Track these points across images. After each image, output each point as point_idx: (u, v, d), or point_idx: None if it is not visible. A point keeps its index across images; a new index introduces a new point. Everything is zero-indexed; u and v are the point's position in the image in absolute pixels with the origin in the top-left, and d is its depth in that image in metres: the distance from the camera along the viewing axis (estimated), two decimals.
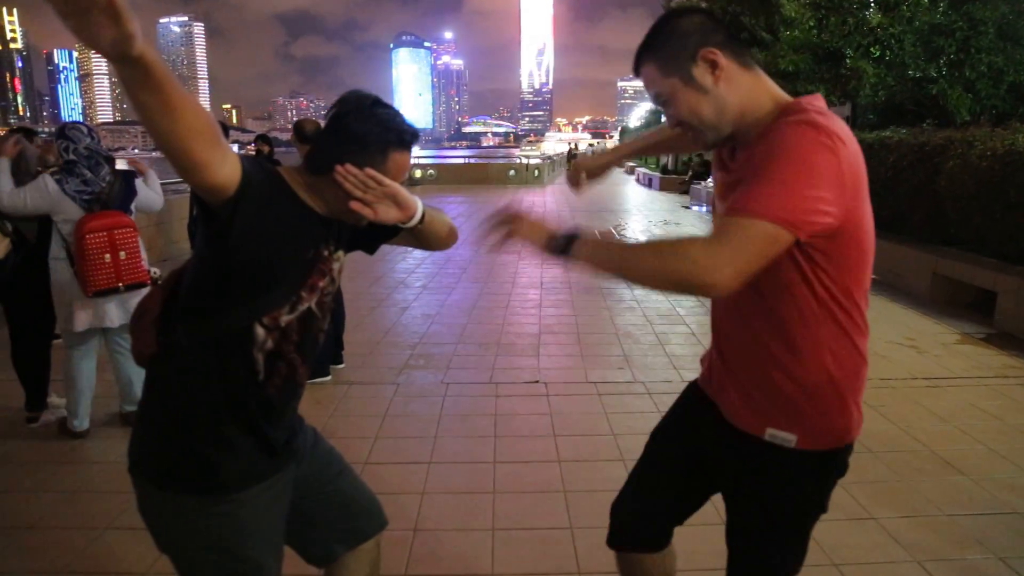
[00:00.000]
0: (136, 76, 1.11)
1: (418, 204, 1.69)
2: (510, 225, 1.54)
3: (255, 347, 1.50)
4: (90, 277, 3.69)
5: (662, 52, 1.48)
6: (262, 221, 1.43)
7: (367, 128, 1.53)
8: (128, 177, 4.00)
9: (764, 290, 1.48)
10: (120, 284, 3.77)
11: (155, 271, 4.02)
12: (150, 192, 4.21)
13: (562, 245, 1.45)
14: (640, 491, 1.92)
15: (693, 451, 1.78)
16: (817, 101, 1.43)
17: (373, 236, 1.77)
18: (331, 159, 1.52)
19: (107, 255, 3.71)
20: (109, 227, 3.72)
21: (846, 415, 1.53)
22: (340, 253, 1.69)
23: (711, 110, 1.46)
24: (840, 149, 1.31)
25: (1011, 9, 9.97)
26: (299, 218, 1.53)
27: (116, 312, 3.91)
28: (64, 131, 3.81)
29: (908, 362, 5.33)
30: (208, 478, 1.50)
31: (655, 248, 1.36)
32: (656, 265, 1.33)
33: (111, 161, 3.97)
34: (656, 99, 1.54)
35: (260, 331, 1.50)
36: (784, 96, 1.49)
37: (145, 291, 3.92)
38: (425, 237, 1.78)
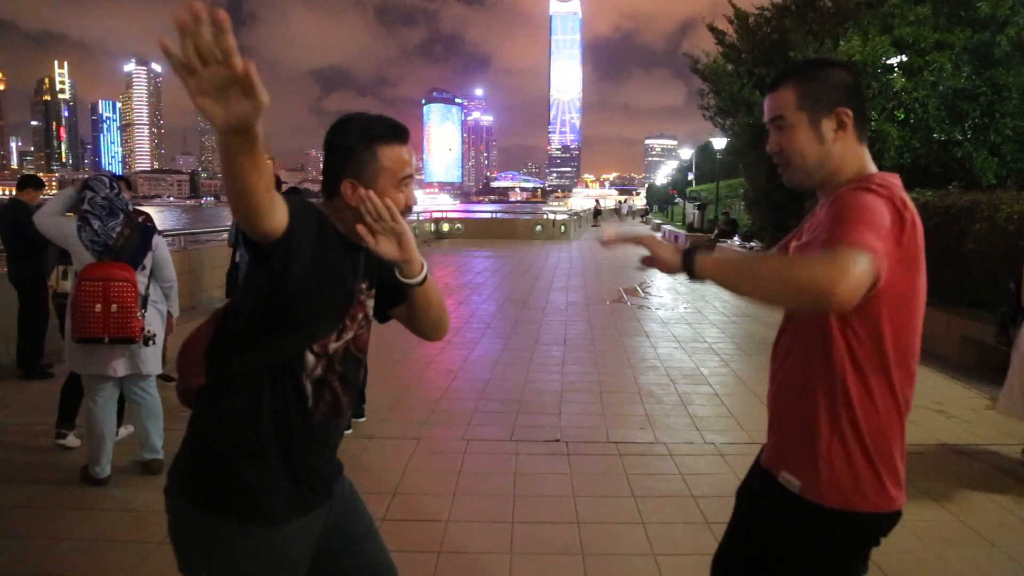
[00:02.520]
0: (246, 142, 1.17)
1: (424, 262, 1.71)
2: (647, 244, 1.58)
3: (304, 373, 1.57)
4: (77, 324, 3.78)
5: (806, 87, 1.58)
6: (312, 254, 1.50)
7: (348, 134, 1.60)
8: (145, 232, 4.09)
9: (812, 334, 1.55)
10: (105, 336, 3.81)
11: (148, 329, 4.04)
12: (169, 261, 4.28)
13: (689, 261, 1.47)
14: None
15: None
16: (890, 177, 1.52)
17: (384, 296, 1.80)
18: (331, 179, 1.61)
19: (98, 305, 3.77)
20: (106, 277, 3.81)
21: (856, 475, 1.52)
22: (373, 291, 1.76)
23: (816, 159, 1.58)
24: (904, 211, 1.42)
25: None
26: (340, 249, 1.61)
27: (119, 362, 3.95)
28: (87, 183, 4.00)
29: (936, 428, 5.23)
30: (249, 504, 1.53)
31: (776, 259, 1.42)
32: (780, 273, 1.37)
33: (129, 215, 4.06)
34: (772, 120, 1.63)
35: (311, 357, 1.58)
36: (867, 168, 1.59)
37: (132, 347, 3.96)
38: (421, 307, 1.76)
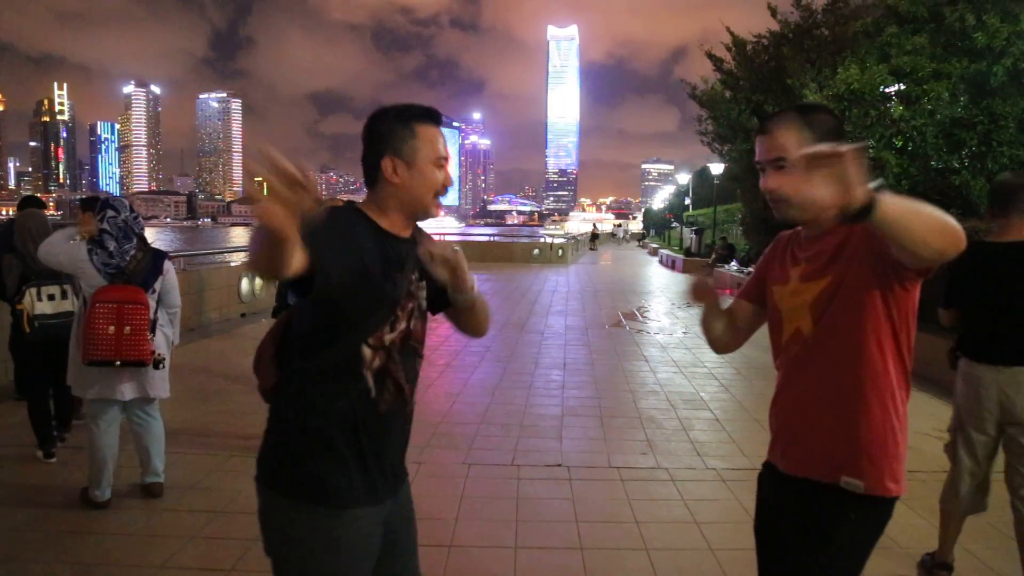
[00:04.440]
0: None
1: (474, 281, 1.84)
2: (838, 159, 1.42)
3: (364, 366, 1.67)
4: (89, 346, 3.76)
5: (807, 131, 1.68)
6: (350, 260, 1.58)
7: (386, 117, 1.71)
8: (157, 256, 4.11)
9: (834, 336, 1.71)
10: (116, 359, 3.80)
11: (159, 352, 4.05)
12: (177, 286, 4.28)
13: (872, 190, 1.41)
14: None
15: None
16: None
17: (434, 297, 1.88)
18: (371, 163, 1.72)
19: (111, 327, 3.76)
20: (120, 300, 3.81)
21: (901, 462, 1.71)
22: (424, 283, 1.82)
23: (811, 196, 1.59)
24: None
25: None
26: (382, 243, 1.68)
27: (127, 385, 3.94)
28: (108, 202, 3.98)
29: (937, 454, 5.17)
30: (319, 488, 1.64)
31: (930, 211, 1.42)
32: (942, 219, 1.41)
33: (143, 238, 4.09)
34: (771, 160, 1.72)
35: (367, 351, 1.67)
36: None
37: (142, 370, 3.96)
38: (466, 314, 1.90)
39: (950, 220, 1.43)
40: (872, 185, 1.40)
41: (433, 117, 1.74)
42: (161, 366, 4.04)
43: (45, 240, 4.02)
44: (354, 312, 1.63)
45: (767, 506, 1.94)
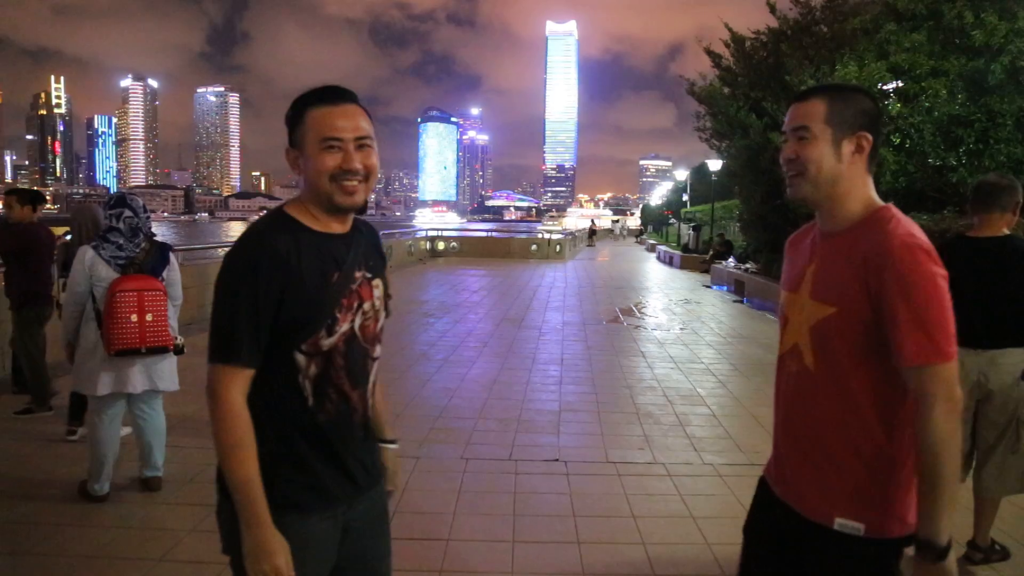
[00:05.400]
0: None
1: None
2: None
3: (300, 374, 1.60)
4: (114, 336, 3.78)
5: (838, 105, 1.64)
6: (286, 279, 1.55)
7: (290, 109, 1.65)
8: (163, 248, 4.14)
9: (843, 371, 1.59)
10: (142, 347, 3.85)
11: (180, 339, 4.10)
12: (179, 282, 4.30)
13: (939, 552, 1.48)
14: None
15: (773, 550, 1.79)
16: (918, 228, 1.57)
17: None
18: (293, 157, 1.66)
19: (134, 316, 3.80)
20: (140, 288, 3.84)
21: (909, 502, 1.57)
22: (378, 281, 1.75)
23: (829, 173, 1.63)
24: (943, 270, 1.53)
25: None
26: (316, 246, 1.62)
27: (139, 378, 3.97)
28: (125, 199, 4.01)
29: None
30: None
31: (940, 455, 1.46)
32: (954, 456, 1.48)
33: (150, 235, 4.12)
34: (796, 128, 1.67)
35: (301, 358, 1.60)
36: (875, 201, 1.66)
37: (167, 356, 4.01)
38: None
39: (951, 439, 1.47)
40: (937, 552, 1.47)
41: (327, 98, 1.61)
42: (184, 351, 4.12)
43: (67, 293, 4.01)
44: (282, 321, 1.56)
45: (761, 516, 1.87)
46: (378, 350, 1.77)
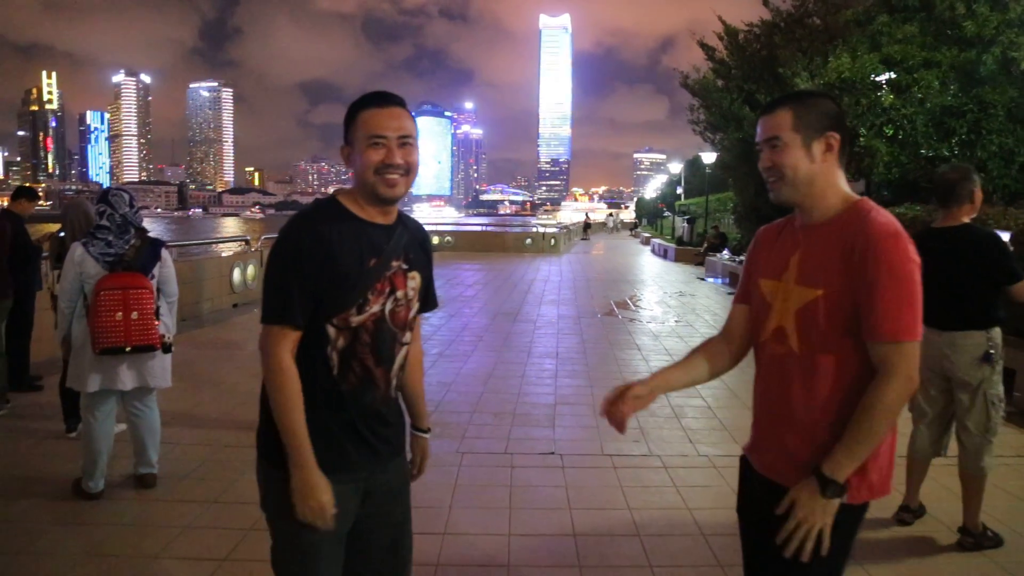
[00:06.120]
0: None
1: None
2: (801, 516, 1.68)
3: (329, 345, 1.79)
4: (99, 334, 3.75)
5: (802, 112, 1.77)
6: (326, 259, 1.74)
7: (347, 112, 1.85)
8: (155, 244, 4.09)
9: (827, 350, 1.72)
10: (127, 345, 3.81)
11: (168, 336, 4.06)
12: (173, 278, 4.24)
13: (837, 489, 1.65)
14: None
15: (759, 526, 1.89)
16: (896, 222, 1.70)
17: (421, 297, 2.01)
18: (346, 153, 1.86)
19: (119, 313, 3.76)
20: (125, 286, 3.80)
21: (881, 470, 1.74)
22: (415, 273, 1.93)
23: (805, 175, 1.76)
24: (918, 258, 1.67)
25: (1020, 93, 10.16)
26: (356, 233, 1.80)
27: (128, 375, 3.94)
28: (107, 196, 3.95)
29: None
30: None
31: (872, 409, 1.63)
32: (885, 416, 1.63)
33: (142, 229, 4.06)
34: (768, 140, 1.80)
35: (331, 331, 1.78)
36: (851, 195, 1.79)
37: (155, 355, 3.97)
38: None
39: (895, 404, 1.62)
40: (830, 487, 1.64)
41: (376, 101, 1.82)
42: (171, 350, 4.07)
43: (60, 294, 3.97)
44: (319, 294, 1.75)
45: (748, 494, 1.99)
46: (407, 336, 1.94)
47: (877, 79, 11.43)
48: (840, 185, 1.79)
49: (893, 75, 11.21)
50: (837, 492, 1.64)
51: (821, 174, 1.76)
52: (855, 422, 1.64)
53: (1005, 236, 3.81)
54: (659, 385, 1.96)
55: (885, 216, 1.69)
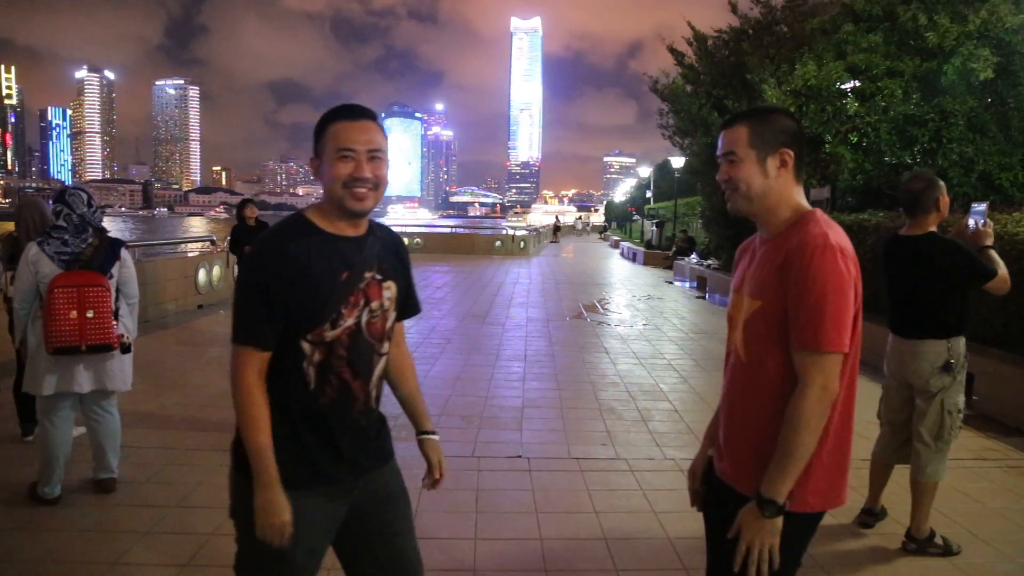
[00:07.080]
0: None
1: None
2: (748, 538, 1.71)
3: (305, 360, 1.79)
4: (52, 333, 3.65)
5: (759, 128, 1.81)
6: (296, 277, 1.73)
7: (317, 124, 1.83)
8: (115, 244, 4.00)
9: (765, 358, 1.77)
10: (82, 345, 3.71)
11: (128, 337, 3.97)
12: (134, 279, 4.14)
13: (775, 509, 1.68)
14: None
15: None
16: (837, 229, 1.74)
17: (400, 303, 2.00)
18: (316, 165, 1.85)
19: (73, 312, 3.67)
20: (80, 284, 3.70)
21: (831, 479, 1.75)
22: (390, 283, 1.92)
23: (759, 188, 1.81)
24: (855, 271, 1.69)
25: (979, 103, 10.39)
26: (327, 247, 1.79)
27: (85, 376, 3.84)
28: (64, 196, 3.85)
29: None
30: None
31: (796, 427, 1.66)
32: (808, 432, 1.66)
33: (101, 229, 3.97)
34: (726, 154, 1.85)
35: (306, 346, 1.78)
36: (803, 206, 1.83)
37: (113, 355, 3.88)
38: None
39: (817, 420, 1.65)
40: (769, 507, 1.67)
41: (346, 114, 1.81)
42: (130, 350, 3.98)
43: (15, 293, 3.86)
44: (291, 312, 1.75)
45: (711, 494, 2.02)
46: (386, 346, 1.94)
47: (842, 87, 11.59)
48: (794, 199, 1.83)
49: (858, 83, 11.38)
50: (776, 512, 1.67)
51: (774, 189, 1.80)
52: (781, 437, 1.67)
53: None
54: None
55: (823, 227, 1.72)
